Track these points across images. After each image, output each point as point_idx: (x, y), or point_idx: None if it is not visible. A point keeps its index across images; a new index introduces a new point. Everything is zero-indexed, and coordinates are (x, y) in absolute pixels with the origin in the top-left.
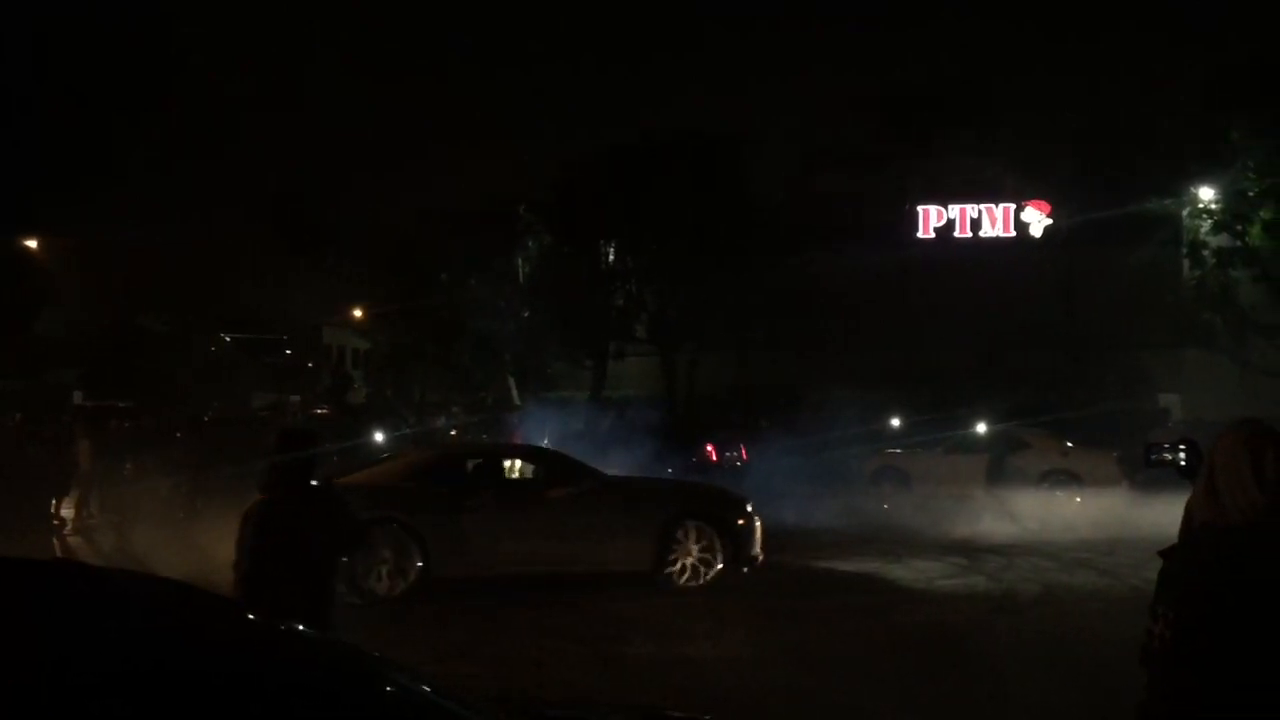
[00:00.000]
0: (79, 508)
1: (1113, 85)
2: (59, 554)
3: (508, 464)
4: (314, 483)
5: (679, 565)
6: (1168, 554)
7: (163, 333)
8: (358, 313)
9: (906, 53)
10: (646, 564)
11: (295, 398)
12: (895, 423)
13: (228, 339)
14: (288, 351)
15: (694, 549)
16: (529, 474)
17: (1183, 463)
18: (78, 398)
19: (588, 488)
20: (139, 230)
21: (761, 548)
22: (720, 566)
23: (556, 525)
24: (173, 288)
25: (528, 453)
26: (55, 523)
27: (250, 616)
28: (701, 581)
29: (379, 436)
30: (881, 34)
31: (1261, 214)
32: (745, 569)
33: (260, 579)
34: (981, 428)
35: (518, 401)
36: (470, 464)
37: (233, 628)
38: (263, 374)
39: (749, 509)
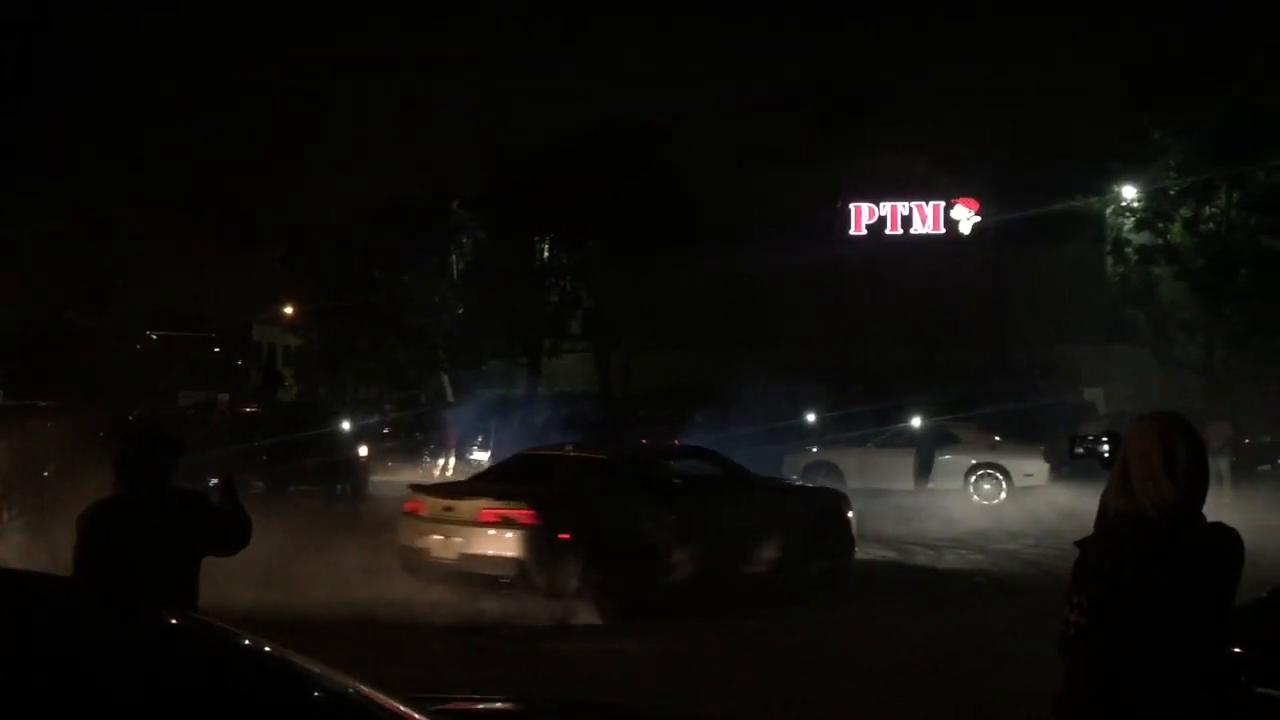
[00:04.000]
0: None
1: (1040, 84)
2: None
3: (689, 465)
4: (218, 483)
5: (816, 561)
6: (1084, 544)
7: (87, 329)
8: (288, 309)
9: (838, 51)
10: (798, 561)
11: (224, 396)
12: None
13: (154, 336)
14: (216, 349)
15: (822, 544)
16: (710, 475)
17: (1105, 454)
18: None
19: (755, 487)
20: (64, 224)
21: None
22: (842, 558)
23: (747, 527)
24: (98, 283)
25: (699, 453)
26: None
27: (172, 619)
28: (814, 575)
29: (346, 426)
30: (811, 33)
31: (1182, 212)
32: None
33: (93, 581)
34: (914, 422)
35: (451, 398)
36: (658, 466)
37: (148, 628)
38: (191, 372)
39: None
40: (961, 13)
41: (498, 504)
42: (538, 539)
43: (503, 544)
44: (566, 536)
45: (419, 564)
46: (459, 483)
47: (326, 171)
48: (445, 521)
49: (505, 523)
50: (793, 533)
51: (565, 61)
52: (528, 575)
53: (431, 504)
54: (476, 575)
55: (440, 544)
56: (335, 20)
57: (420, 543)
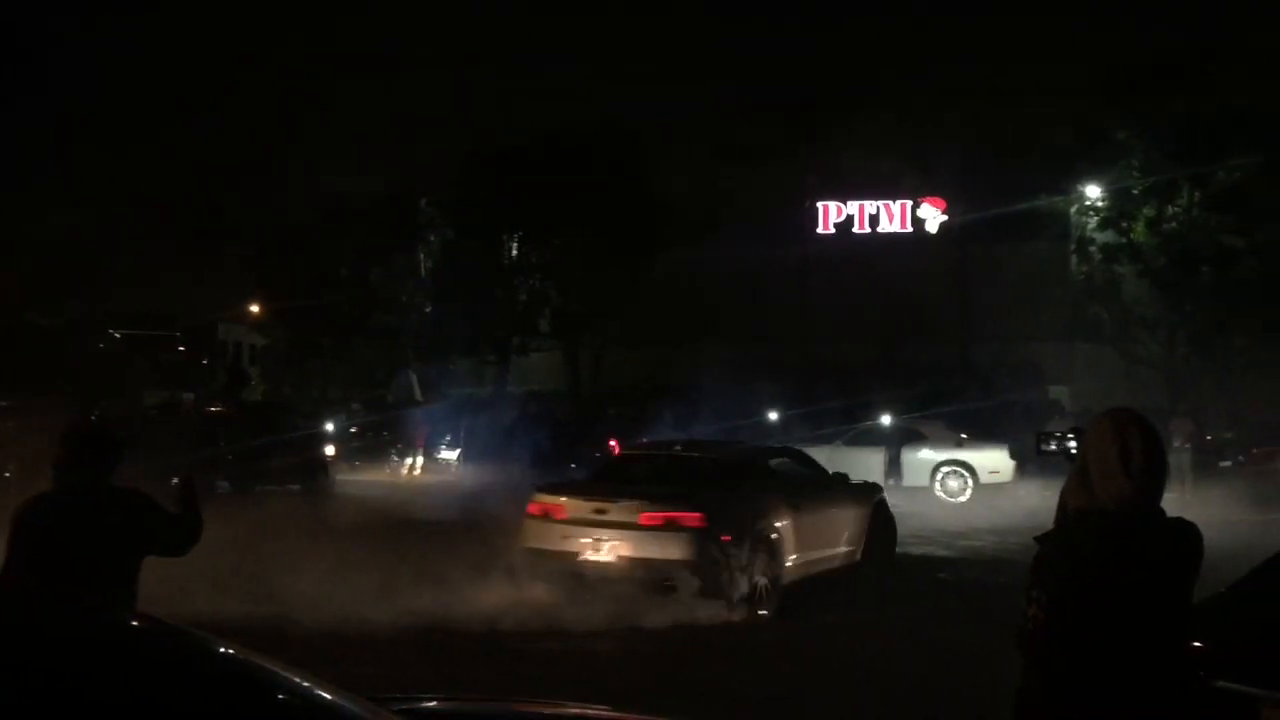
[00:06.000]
0: None
1: (1006, 85)
2: None
3: (788, 462)
4: (182, 481)
5: (877, 550)
6: (1044, 539)
7: (48, 328)
8: (254, 308)
9: (807, 51)
10: (867, 551)
11: (189, 396)
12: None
13: (117, 335)
14: (181, 348)
15: (880, 534)
16: (799, 473)
17: (1073, 451)
18: None
19: (834, 483)
20: (27, 223)
21: None
22: (892, 546)
23: (838, 521)
24: (59, 281)
25: (787, 452)
26: None
27: (132, 620)
28: (875, 563)
29: (313, 425)
30: (783, 33)
31: (1145, 211)
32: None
33: (24, 575)
34: (882, 420)
35: (419, 397)
36: (768, 464)
37: (106, 629)
38: (155, 371)
39: None
40: (929, 14)
41: (660, 506)
42: (705, 541)
43: (669, 547)
44: (728, 538)
45: (562, 567)
46: (590, 484)
47: (298, 171)
48: (596, 525)
49: (670, 525)
50: (862, 524)
51: (543, 60)
52: (696, 577)
53: (575, 506)
54: (638, 579)
55: (591, 547)
56: (311, 20)
57: (565, 546)
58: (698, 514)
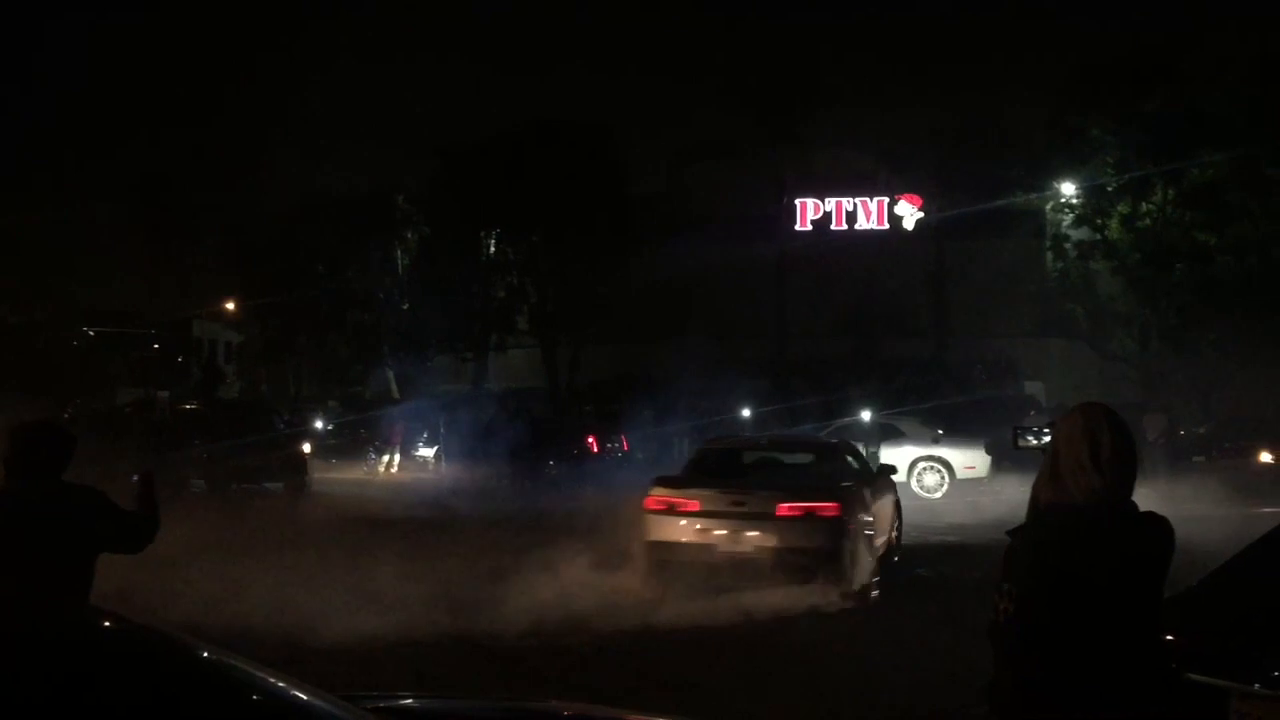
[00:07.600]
0: None
1: (982, 82)
2: None
3: (852, 458)
4: (141, 478)
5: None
6: (1015, 533)
7: (20, 326)
8: (230, 305)
9: (784, 47)
10: (897, 535)
11: (164, 393)
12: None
13: (91, 332)
14: (155, 345)
15: (898, 519)
16: (859, 464)
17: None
18: None
19: (880, 473)
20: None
21: None
22: (900, 531)
23: (889, 509)
24: (32, 278)
25: (848, 447)
26: None
27: (104, 621)
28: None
29: (319, 425)
30: (758, 28)
31: (1119, 208)
32: None
33: None
34: (859, 416)
35: (396, 395)
36: (846, 457)
37: (75, 629)
38: (129, 369)
39: None
40: (909, 11)
41: (799, 498)
42: (841, 530)
43: (811, 536)
44: (853, 527)
45: (698, 559)
46: (710, 477)
47: (281, 169)
48: (732, 517)
49: (809, 516)
50: (896, 512)
51: (541, 59)
52: (832, 566)
53: (709, 499)
54: (777, 568)
55: (728, 539)
56: (305, 19)
57: (700, 538)
58: (835, 504)
